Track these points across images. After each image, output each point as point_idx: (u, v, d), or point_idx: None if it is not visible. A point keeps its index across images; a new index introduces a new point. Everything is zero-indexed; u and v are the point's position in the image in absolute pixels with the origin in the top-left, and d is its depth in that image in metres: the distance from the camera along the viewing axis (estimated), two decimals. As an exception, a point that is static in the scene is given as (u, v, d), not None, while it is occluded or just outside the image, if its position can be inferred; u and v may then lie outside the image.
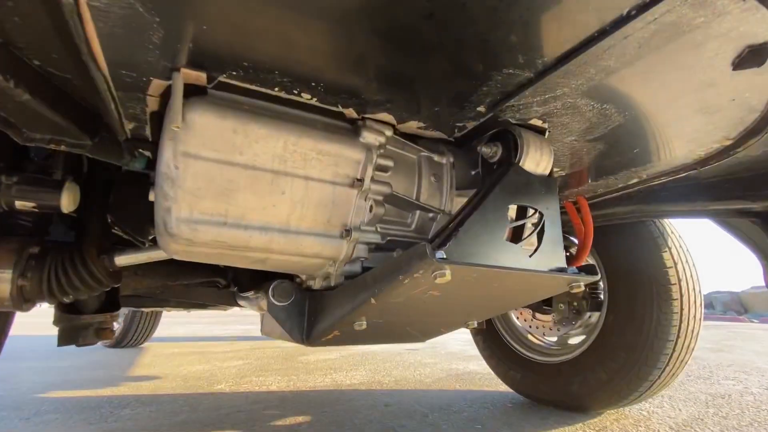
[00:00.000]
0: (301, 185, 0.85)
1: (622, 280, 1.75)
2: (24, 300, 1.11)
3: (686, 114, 0.89)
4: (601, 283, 1.90)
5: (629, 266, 1.74)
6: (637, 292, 1.68)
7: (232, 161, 0.78)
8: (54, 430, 1.70)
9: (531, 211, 0.89)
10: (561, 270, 0.84)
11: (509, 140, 0.92)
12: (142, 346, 4.43)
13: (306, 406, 2.04)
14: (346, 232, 0.90)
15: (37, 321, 7.96)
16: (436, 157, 1.03)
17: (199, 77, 0.75)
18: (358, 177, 0.89)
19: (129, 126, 0.95)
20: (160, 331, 5.35)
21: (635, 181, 1.30)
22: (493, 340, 2.35)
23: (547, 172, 0.95)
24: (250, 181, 0.80)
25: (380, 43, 0.68)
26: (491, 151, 0.94)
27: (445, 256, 0.68)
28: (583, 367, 1.83)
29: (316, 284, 1.10)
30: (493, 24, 0.62)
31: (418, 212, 1.02)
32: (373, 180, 0.90)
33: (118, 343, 4.20)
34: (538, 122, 0.93)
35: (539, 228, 0.87)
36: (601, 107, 0.87)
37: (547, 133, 0.99)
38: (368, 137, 0.89)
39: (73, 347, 3.88)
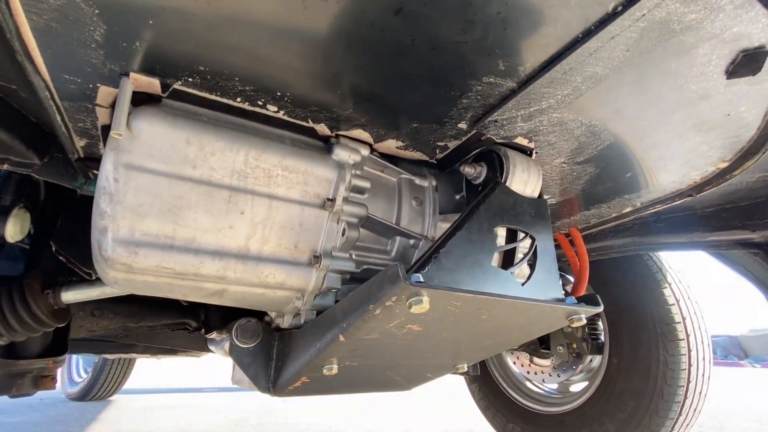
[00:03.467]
0: (264, 204, 0.76)
1: (623, 320, 1.64)
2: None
3: (680, 131, 0.84)
4: (600, 324, 1.77)
5: (629, 304, 1.63)
6: (640, 332, 1.56)
7: (183, 175, 0.70)
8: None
9: (521, 235, 0.81)
10: (559, 300, 0.74)
11: (494, 160, 0.86)
12: (109, 398, 4.05)
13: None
14: (315, 259, 0.80)
15: None
16: (417, 180, 0.96)
17: (152, 84, 0.69)
18: (330, 197, 0.80)
19: (80, 143, 0.87)
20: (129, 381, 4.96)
21: (629, 209, 1.24)
22: (489, 388, 2.16)
23: (536, 194, 0.88)
24: (203, 198, 0.71)
25: (348, 47, 0.62)
26: (475, 172, 0.87)
27: (422, 280, 0.58)
28: (588, 419, 1.66)
29: (285, 322, 0.97)
30: (468, 21, 0.57)
31: (398, 238, 0.93)
32: (346, 201, 0.81)
33: (84, 396, 3.84)
34: (523, 141, 0.87)
35: (531, 253, 0.78)
36: (589, 124, 0.82)
37: (534, 154, 0.93)
38: (341, 155, 0.81)
39: (34, 400, 3.50)
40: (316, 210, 0.81)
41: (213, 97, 0.73)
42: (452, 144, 0.89)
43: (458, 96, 0.73)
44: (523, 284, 0.73)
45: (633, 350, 1.57)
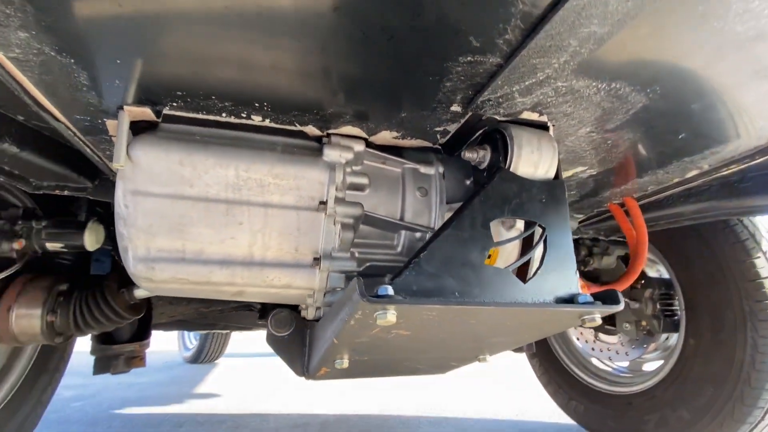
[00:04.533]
0: (260, 213, 0.79)
1: (702, 296, 1.41)
2: (55, 334, 1.21)
3: (737, 80, 0.66)
4: (676, 300, 1.56)
5: (711, 278, 1.39)
6: (724, 311, 1.34)
7: (183, 195, 0.75)
8: (113, 448, 1.84)
9: (527, 226, 0.72)
10: (568, 300, 0.66)
11: (497, 141, 0.77)
12: (216, 361, 4.75)
13: (344, 432, 1.97)
14: (316, 261, 0.82)
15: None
16: (422, 169, 0.91)
17: (145, 113, 0.74)
18: (323, 199, 0.80)
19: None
20: (237, 347, 5.71)
21: (694, 173, 1.03)
22: (550, 363, 2.07)
23: (551, 174, 0.78)
24: (203, 213, 0.76)
25: (307, 49, 0.59)
26: (478, 156, 0.79)
27: (389, 293, 0.55)
28: (659, 402, 1.50)
29: (309, 314, 1.03)
30: (417, 5, 0.50)
31: (403, 232, 0.90)
32: (339, 201, 0.81)
33: (195, 359, 4.56)
34: (533, 115, 0.76)
35: (538, 246, 0.70)
36: (609, 87, 0.68)
37: (551, 128, 0.81)
38: (331, 155, 0.80)
39: (159, 362, 4.23)
40: (312, 213, 0.82)
41: (201, 116, 0.76)
42: (452, 128, 0.82)
43: (438, 80, 0.66)
44: (526, 282, 0.66)
45: (714, 331, 1.36)
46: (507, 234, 0.84)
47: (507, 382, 3.17)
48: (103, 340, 1.37)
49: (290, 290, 0.87)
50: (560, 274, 0.68)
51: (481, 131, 0.82)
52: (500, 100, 0.70)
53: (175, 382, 3.54)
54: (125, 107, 0.72)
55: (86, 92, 0.68)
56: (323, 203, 0.79)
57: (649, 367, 1.78)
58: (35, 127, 0.89)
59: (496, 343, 0.80)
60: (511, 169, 0.75)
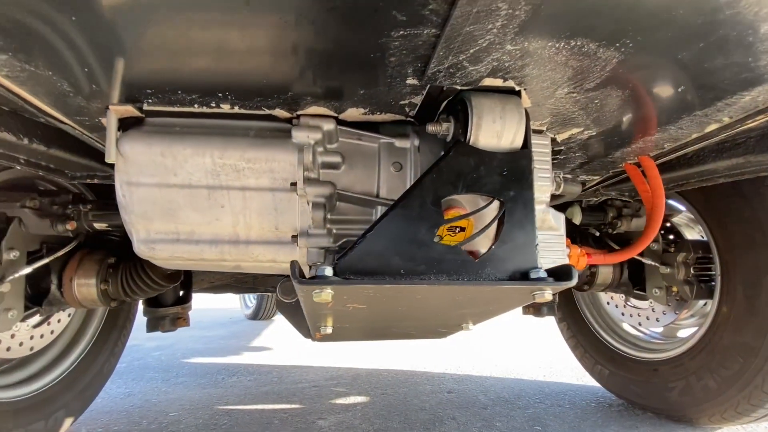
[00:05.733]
0: (239, 196, 0.85)
1: (739, 261, 1.28)
2: (110, 299, 1.43)
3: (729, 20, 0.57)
4: (713, 265, 1.42)
5: (750, 241, 1.25)
6: (761, 278, 1.21)
7: (169, 183, 0.83)
8: (179, 390, 2.17)
9: (486, 201, 0.71)
10: (522, 276, 0.65)
11: (458, 111, 0.74)
12: (273, 318, 5.24)
13: (372, 386, 2.12)
14: (293, 238, 0.88)
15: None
16: (397, 143, 0.90)
17: (129, 110, 0.81)
18: (294, 180, 0.84)
19: (128, 156, 1.10)
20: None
21: (715, 126, 0.91)
22: (579, 327, 2.02)
23: (517, 144, 0.74)
24: (188, 199, 0.85)
25: (244, 40, 0.61)
26: (442, 129, 0.78)
27: (325, 274, 0.59)
28: (685, 371, 1.43)
29: (306, 284, 1.11)
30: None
31: (379, 208, 0.92)
32: (310, 181, 0.84)
33: (254, 316, 5.07)
34: (497, 81, 0.72)
35: (494, 222, 0.69)
36: (569, 46, 0.62)
37: (523, 93, 0.76)
38: (299, 136, 0.83)
39: (225, 318, 4.77)
40: (287, 193, 0.86)
41: (176, 108, 0.82)
42: (416, 100, 0.80)
43: (381, 56, 0.65)
44: (479, 259, 0.66)
45: (749, 299, 1.24)
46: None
47: (541, 343, 3.15)
48: (152, 304, 1.60)
49: (276, 264, 0.95)
50: (518, 249, 0.67)
51: (445, 102, 0.79)
52: (451, 70, 0.67)
53: (236, 336, 3.99)
54: (111, 107, 0.80)
55: (74, 97, 0.76)
56: (294, 184, 0.84)
57: (684, 333, 1.68)
58: (57, 127, 1.02)
59: (468, 315, 0.82)
60: (471, 141, 0.72)
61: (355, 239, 0.93)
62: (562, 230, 0.99)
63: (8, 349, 1.35)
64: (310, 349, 3.13)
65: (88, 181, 1.20)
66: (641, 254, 1.59)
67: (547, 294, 0.63)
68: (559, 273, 0.64)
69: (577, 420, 1.60)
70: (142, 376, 2.46)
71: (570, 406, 1.75)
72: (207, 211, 0.86)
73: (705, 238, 1.46)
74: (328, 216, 0.88)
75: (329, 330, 0.92)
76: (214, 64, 0.69)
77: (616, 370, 1.74)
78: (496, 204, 0.71)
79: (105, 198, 1.46)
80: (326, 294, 0.58)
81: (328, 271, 0.60)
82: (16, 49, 0.61)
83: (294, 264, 0.60)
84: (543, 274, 0.64)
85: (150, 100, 0.78)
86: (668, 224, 1.62)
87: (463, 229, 0.86)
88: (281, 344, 3.44)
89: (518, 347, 3.06)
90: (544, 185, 0.90)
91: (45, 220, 1.33)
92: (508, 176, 0.71)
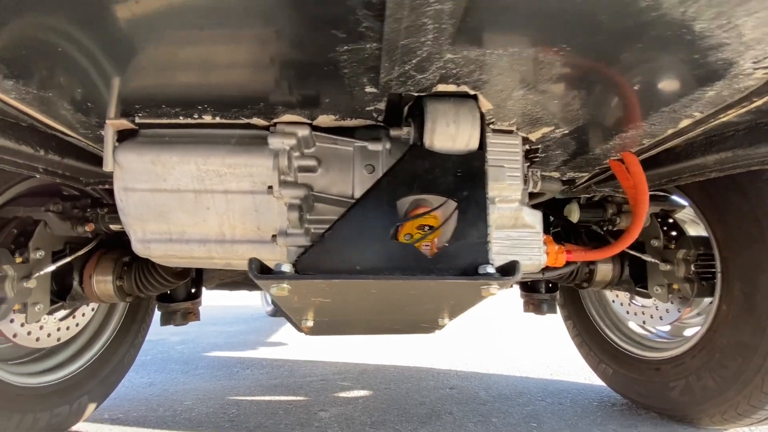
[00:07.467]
0: (222, 199, 0.92)
1: (737, 257, 1.24)
2: (125, 295, 1.55)
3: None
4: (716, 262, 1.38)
5: (748, 236, 1.21)
6: (759, 274, 1.17)
7: (160, 188, 0.92)
8: (195, 381, 2.30)
9: (440, 201, 0.74)
10: (473, 272, 0.68)
11: (416, 116, 0.78)
12: (292, 315, 5.40)
13: (378, 380, 2.18)
14: (273, 238, 0.94)
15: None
16: (370, 146, 0.95)
17: (124, 123, 0.90)
18: (270, 184, 0.90)
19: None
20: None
21: (689, 122, 0.91)
22: (584, 325, 2.00)
23: (473, 146, 0.77)
24: (177, 202, 0.92)
25: (201, 55, 0.68)
26: (404, 133, 0.82)
27: (282, 270, 0.65)
28: (685, 370, 1.40)
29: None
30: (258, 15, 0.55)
31: (355, 208, 0.97)
32: (286, 184, 0.90)
33: (275, 313, 5.24)
34: (450, 87, 0.75)
35: (448, 221, 0.72)
36: (508, 52, 0.65)
37: (480, 96, 0.79)
38: (274, 143, 0.89)
39: (247, 314, 4.96)
40: (266, 196, 0.93)
41: (165, 120, 0.90)
42: (381, 106, 0.84)
43: (335, 69, 0.70)
44: (434, 255, 0.70)
45: (746, 296, 1.20)
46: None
47: (554, 341, 3.10)
48: (164, 299, 1.72)
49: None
50: (469, 246, 0.70)
51: (406, 108, 0.83)
52: (401, 78, 0.71)
53: (255, 331, 4.15)
54: (108, 121, 0.88)
55: (77, 113, 0.85)
56: (271, 187, 0.90)
57: (691, 332, 1.63)
58: (67, 140, 1.13)
59: (435, 310, 0.85)
60: (427, 144, 0.76)
61: (332, 238, 0.98)
62: (539, 227, 1.01)
63: (37, 339, 1.49)
64: (322, 345, 3.22)
65: (100, 187, 1.31)
66: (641, 251, 1.56)
67: (492, 289, 0.66)
68: (506, 269, 0.67)
69: (576, 418, 1.59)
70: (164, 368, 2.62)
71: (571, 405, 1.74)
72: (195, 213, 0.93)
73: (706, 235, 1.42)
74: (306, 216, 0.94)
75: (310, 323, 0.98)
76: (191, 79, 0.76)
77: (619, 369, 1.72)
78: (453, 204, 0.75)
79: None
80: (282, 288, 0.63)
81: (286, 267, 0.66)
82: (21, 76, 0.70)
83: (252, 261, 0.66)
84: (491, 270, 0.67)
85: (140, 114, 0.87)
86: (670, 220, 1.58)
87: (432, 228, 0.89)
88: (296, 340, 3.56)
89: (530, 344, 3.03)
90: (513, 184, 0.92)
91: (67, 222, 1.46)
92: (461, 177, 0.74)
